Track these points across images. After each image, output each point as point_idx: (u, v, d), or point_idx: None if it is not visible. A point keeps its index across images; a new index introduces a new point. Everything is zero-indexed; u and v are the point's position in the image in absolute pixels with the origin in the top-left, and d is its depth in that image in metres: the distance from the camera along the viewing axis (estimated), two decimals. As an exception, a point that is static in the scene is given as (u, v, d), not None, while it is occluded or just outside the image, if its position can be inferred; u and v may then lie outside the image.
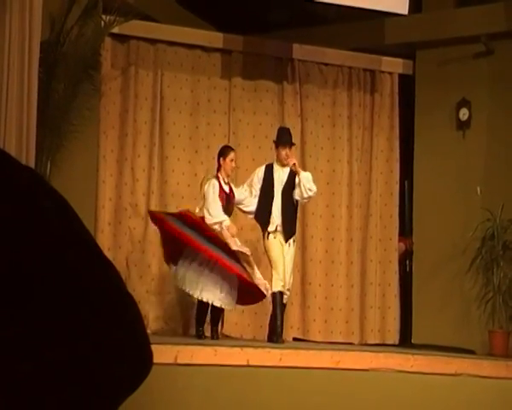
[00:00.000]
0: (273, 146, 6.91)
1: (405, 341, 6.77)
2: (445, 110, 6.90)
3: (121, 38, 6.51)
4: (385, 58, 7.16)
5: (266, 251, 5.78)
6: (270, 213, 5.73)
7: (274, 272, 5.64)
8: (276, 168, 5.85)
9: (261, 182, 5.82)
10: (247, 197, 5.86)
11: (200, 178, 6.67)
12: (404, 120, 7.18)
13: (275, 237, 5.70)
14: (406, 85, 7.17)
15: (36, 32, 5.11)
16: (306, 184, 5.77)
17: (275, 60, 7.01)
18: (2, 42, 4.89)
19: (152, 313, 6.36)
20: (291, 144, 5.91)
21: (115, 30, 6.20)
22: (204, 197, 5.67)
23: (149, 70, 6.61)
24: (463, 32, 6.74)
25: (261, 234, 5.92)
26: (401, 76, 7.24)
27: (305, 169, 6.92)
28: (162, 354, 4.57)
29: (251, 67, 6.90)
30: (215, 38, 6.83)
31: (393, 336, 6.87)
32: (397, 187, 7.11)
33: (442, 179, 6.84)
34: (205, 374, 4.69)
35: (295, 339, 6.63)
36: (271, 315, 5.71)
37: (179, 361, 4.62)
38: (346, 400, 5.04)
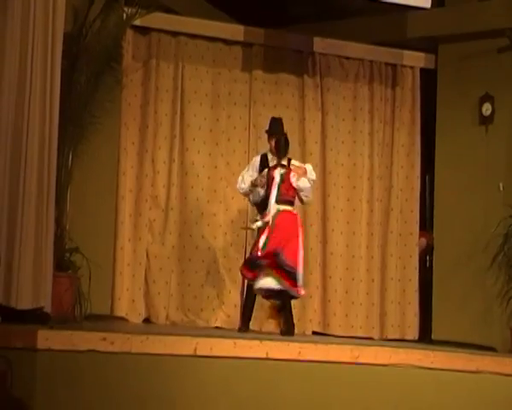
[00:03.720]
0: (294, 139, 6.87)
1: (425, 337, 6.73)
2: (467, 105, 6.83)
3: (143, 31, 6.53)
4: (406, 52, 7.11)
5: None
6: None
7: None
8: (271, 158, 5.87)
9: (257, 172, 5.81)
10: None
11: (220, 171, 6.70)
12: (425, 114, 7.13)
13: None
14: (428, 79, 7.11)
15: (59, 25, 5.14)
16: (304, 196, 5.86)
17: (296, 53, 6.99)
18: (26, 34, 4.92)
19: (172, 305, 6.39)
20: (282, 135, 5.91)
21: (137, 22, 6.22)
22: None
23: (170, 62, 6.63)
24: (487, 25, 6.66)
25: None
26: (423, 70, 7.18)
27: (325, 163, 6.92)
28: (181, 345, 4.58)
29: (272, 60, 6.89)
30: (236, 31, 6.83)
31: (413, 332, 6.84)
32: (418, 182, 7.07)
33: (464, 175, 6.78)
34: (224, 366, 4.69)
35: (315, 333, 6.63)
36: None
37: (198, 353, 4.62)
38: (366, 395, 5.02)
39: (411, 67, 7.16)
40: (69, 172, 5.62)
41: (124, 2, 6.14)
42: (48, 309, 4.84)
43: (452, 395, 5.11)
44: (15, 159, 4.83)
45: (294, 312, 5.90)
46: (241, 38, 6.82)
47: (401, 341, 6.66)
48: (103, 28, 5.88)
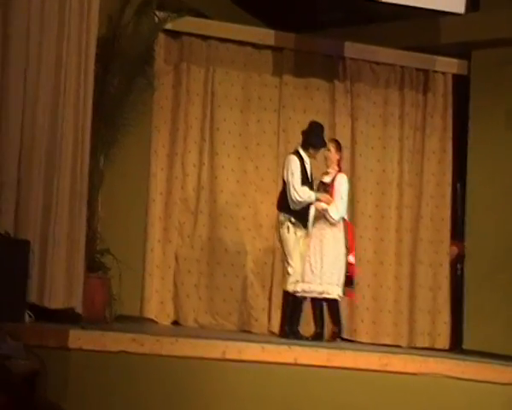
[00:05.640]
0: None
1: (456, 346, 6.63)
2: (500, 112, 6.74)
3: (174, 35, 6.56)
4: (439, 58, 7.03)
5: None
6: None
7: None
8: (307, 161, 5.79)
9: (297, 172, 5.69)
10: None
11: (249, 175, 6.69)
12: (457, 120, 7.05)
13: (295, 232, 5.67)
14: (461, 86, 7.04)
15: (93, 29, 5.22)
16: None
17: (326, 58, 6.96)
18: (61, 38, 4.99)
19: (200, 308, 6.39)
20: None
21: (168, 26, 6.26)
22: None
23: (201, 66, 6.65)
24: (522, 31, 6.58)
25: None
26: (455, 76, 7.10)
27: (354, 168, 6.88)
28: (210, 348, 4.58)
29: (302, 65, 6.87)
30: (266, 36, 6.83)
31: (443, 341, 6.76)
32: (449, 189, 6.98)
33: (497, 182, 6.68)
34: (252, 371, 4.68)
35: (342, 339, 6.58)
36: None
37: (227, 357, 4.62)
38: (394, 403, 4.97)
39: (443, 73, 7.09)
40: (101, 174, 5.65)
41: (156, 7, 6.17)
42: (79, 309, 4.89)
43: (483, 407, 5.03)
44: (49, 161, 4.89)
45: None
46: (271, 42, 6.81)
47: (431, 350, 6.58)
48: (136, 32, 5.91)
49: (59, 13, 4.97)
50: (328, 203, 5.74)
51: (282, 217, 5.65)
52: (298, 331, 5.69)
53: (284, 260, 5.76)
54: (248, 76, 6.77)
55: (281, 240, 5.71)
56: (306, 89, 6.91)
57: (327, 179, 5.87)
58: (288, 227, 5.61)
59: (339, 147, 5.96)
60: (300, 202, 5.66)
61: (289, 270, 5.64)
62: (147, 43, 6.00)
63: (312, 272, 5.69)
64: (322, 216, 5.75)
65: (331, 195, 5.77)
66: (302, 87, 6.89)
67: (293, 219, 5.63)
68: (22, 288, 4.33)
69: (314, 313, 5.85)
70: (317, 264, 5.68)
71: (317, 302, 5.81)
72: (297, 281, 5.64)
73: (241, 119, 6.72)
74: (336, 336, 5.87)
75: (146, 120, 6.14)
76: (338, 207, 5.75)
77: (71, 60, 5.05)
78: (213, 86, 6.66)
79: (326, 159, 5.90)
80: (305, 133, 5.83)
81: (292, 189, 5.63)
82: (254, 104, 6.77)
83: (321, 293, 5.76)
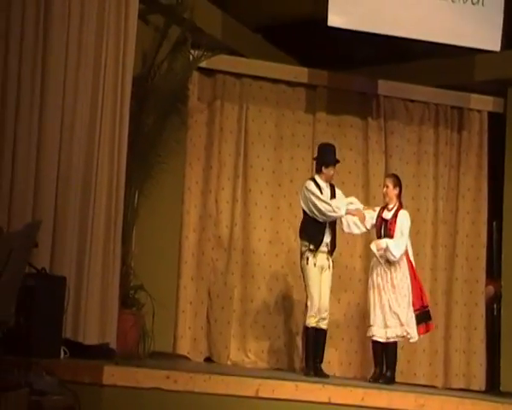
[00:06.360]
0: (357, 181, 6.88)
1: (493, 388, 6.48)
2: (537, 149, 6.66)
3: (208, 72, 6.64)
4: (474, 95, 7.00)
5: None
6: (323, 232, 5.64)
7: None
8: (323, 186, 5.74)
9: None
10: None
11: (282, 212, 6.69)
12: (493, 159, 6.97)
13: (315, 263, 5.58)
14: (496, 124, 6.98)
15: (128, 68, 5.31)
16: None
17: (359, 95, 6.98)
18: (97, 77, 5.09)
19: (233, 345, 6.35)
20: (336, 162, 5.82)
21: (202, 64, 6.34)
22: None
23: (235, 104, 6.71)
24: (558, 69, 6.52)
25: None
26: (491, 114, 7.05)
27: (388, 206, 6.83)
28: (244, 386, 4.55)
29: (335, 102, 6.90)
30: (300, 73, 6.88)
31: (479, 383, 6.61)
32: (485, 228, 6.89)
33: (534, 221, 6.58)
34: (285, 409, 4.62)
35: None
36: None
37: (260, 395, 4.57)
38: (430, 446, 4.85)
39: (479, 111, 7.05)
40: (135, 211, 5.70)
41: (190, 45, 6.26)
42: (113, 345, 4.90)
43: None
44: (85, 197, 4.95)
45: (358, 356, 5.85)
46: (304, 79, 6.86)
47: (467, 391, 6.43)
48: (170, 70, 6.00)
49: (95, 51, 5.08)
50: (359, 218, 5.77)
51: (303, 247, 5.63)
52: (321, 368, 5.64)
53: (304, 291, 5.68)
54: (281, 113, 6.81)
55: (302, 271, 5.67)
56: (340, 126, 6.92)
57: (388, 215, 5.85)
58: (308, 258, 5.57)
59: (397, 182, 5.96)
60: (329, 210, 5.62)
61: (308, 303, 5.57)
62: (181, 82, 6.08)
63: (393, 316, 5.68)
64: (385, 258, 5.72)
65: (392, 231, 5.75)
66: (335, 124, 6.91)
67: (311, 247, 5.57)
68: (58, 324, 4.35)
69: (376, 354, 5.80)
70: (395, 308, 5.67)
71: (378, 344, 5.77)
72: (315, 315, 5.55)
73: (274, 156, 6.74)
74: (391, 380, 5.75)
75: (179, 157, 6.20)
76: (398, 244, 5.71)
77: (107, 98, 5.14)
78: (247, 123, 6.71)
79: (384, 195, 5.94)
80: (315, 158, 5.87)
81: (317, 202, 5.62)
82: (288, 141, 6.79)
83: (401, 337, 5.75)
